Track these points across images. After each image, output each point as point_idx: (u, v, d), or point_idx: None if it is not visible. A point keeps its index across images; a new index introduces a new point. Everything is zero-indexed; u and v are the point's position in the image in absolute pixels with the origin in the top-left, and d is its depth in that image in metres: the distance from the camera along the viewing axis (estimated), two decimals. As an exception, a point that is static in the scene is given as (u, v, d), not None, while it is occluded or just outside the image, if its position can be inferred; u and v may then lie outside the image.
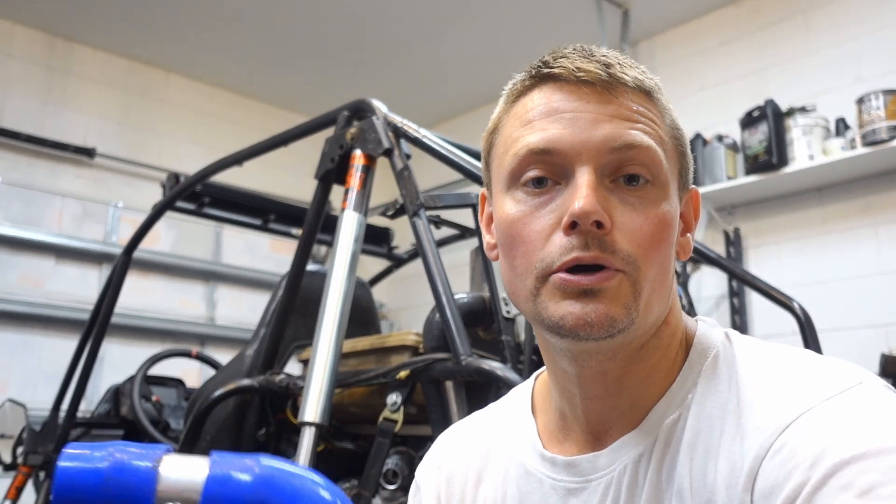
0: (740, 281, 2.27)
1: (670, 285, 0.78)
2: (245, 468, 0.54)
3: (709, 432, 0.72)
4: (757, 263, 3.95)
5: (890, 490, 0.58)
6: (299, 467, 0.57)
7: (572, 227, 0.71)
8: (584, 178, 0.72)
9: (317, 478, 0.56)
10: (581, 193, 0.70)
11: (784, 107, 3.67)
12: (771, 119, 3.64)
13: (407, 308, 5.54)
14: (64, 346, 4.05)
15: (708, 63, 4.36)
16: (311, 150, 3.06)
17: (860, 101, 3.42)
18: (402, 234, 3.52)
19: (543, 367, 0.91)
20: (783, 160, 3.63)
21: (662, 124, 0.77)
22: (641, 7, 4.40)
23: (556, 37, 4.51)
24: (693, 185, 0.83)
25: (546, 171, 0.74)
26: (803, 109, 3.62)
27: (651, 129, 0.75)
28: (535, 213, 0.74)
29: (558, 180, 0.74)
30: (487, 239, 0.86)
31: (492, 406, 1.00)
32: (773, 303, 2.21)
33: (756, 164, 3.69)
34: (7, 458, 2.80)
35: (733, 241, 4.04)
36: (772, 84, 4.02)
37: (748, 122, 3.75)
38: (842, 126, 3.60)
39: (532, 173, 0.75)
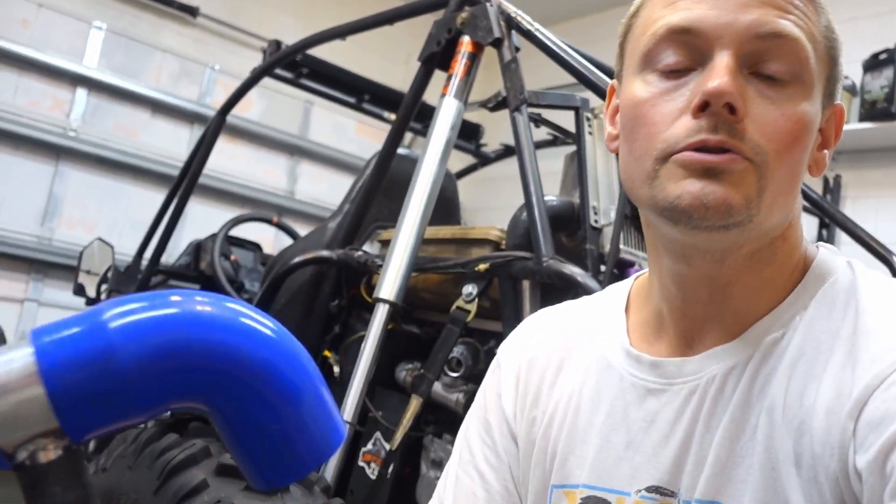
0: (840, 227, 2.16)
1: (797, 196, 0.74)
2: (80, 321, 0.49)
3: (814, 355, 0.70)
4: (853, 215, 3.77)
5: None
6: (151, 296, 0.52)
7: (702, 108, 0.67)
8: (723, 60, 0.67)
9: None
10: (717, 73, 0.67)
11: (915, 54, 3.43)
12: (898, 64, 3.42)
13: (484, 209, 5.52)
14: (151, 197, 4.20)
15: (839, -3, 4.08)
16: (405, 37, 3.01)
17: None
18: (491, 133, 3.47)
19: (643, 271, 0.89)
20: (903, 110, 3.42)
21: (817, 21, 0.72)
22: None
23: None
24: (839, 102, 0.78)
25: (683, 53, 0.70)
26: (934, 58, 3.38)
27: (804, 23, 0.70)
28: (665, 96, 0.71)
29: (694, 65, 0.70)
30: (609, 130, 0.83)
31: (585, 298, 1.00)
32: (873, 255, 2.11)
33: (873, 111, 3.49)
34: (92, 293, 2.95)
35: (832, 189, 3.86)
36: (903, 28, 3.75)
37: (872, 64, 3.53)
38: (974, 81, 3.36)
39: (669, 54, 0.71)
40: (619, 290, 0.93)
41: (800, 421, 0.68)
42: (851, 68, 3.71)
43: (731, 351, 0.75)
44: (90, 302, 2.99)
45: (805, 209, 2.27)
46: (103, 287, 2.92)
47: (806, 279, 0.76)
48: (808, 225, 3.88)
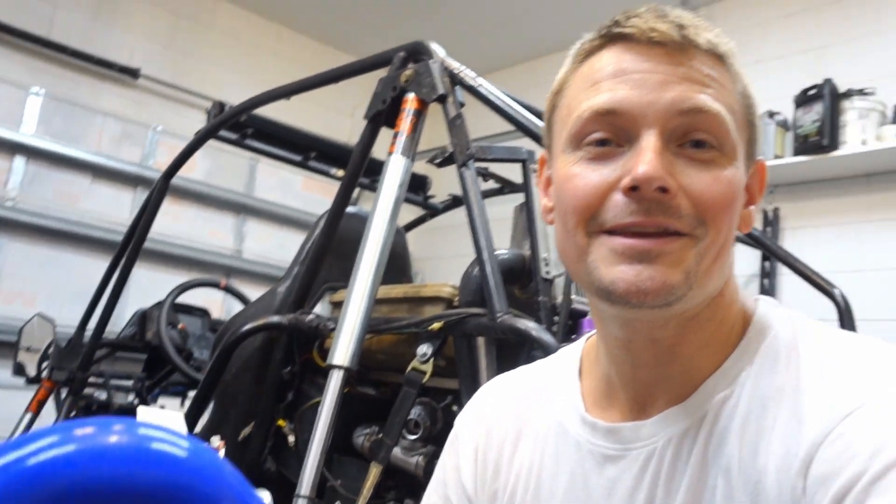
0: (781, 262, 2.21)
1: (730, 255, 0.75)
2: None
3: (762, 412, 0.70)
4: (793, 246, 3.87)
5: None
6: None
7: (633, 189, 0.68)
8: (649, 141, 0.69)
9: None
10: (645, 157, 0.68)
11: (842, 88, 3.55)
12: (827, 99, 3.54)
13: (433, 259, 5.52)
14: (93, 266, 4.08)
15: (768, 35, 4.22)
16: (353, 91, 3.02)
17: (923, 89, 3.30)
18: (438, 184, 3.48)
19: (593, 331, 0.88)
20: (834, 143, 3.53)
21: (734, 91, 0.74)
22: (704, -28, 4.26)
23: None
24: (760, 158, 0.80)
25: (610, 132, 0.72)
26: (861, 92, 3.50)
27: (721, 95, 0.72)
28: (595, 172, 0.72)
29: (622, 143, 0.71)
30: (544, 202, 0.84)
31: (538, 363, 0.99)
32: (814, 287, 2.16)
33: (806, 145, 3.60)
34: (32, 372, 2.84)
35: (771, 222, 3.96)
36: (831, 63, 3.89)
37: (803, 100, 3.65)
38: (900, 113, 3.49)
39: (595, 135, 0.72)
40: (571, 353, 0.93)
41: (755, 481, 0.68)
42: (783, 104, 3.84)
43: (684, 413, 0.75)
44: (31, 381, 2.88)
45: (747, 243, 2.31)
46: (45, 364, 2.81)
47: (748, 335, 0.77)
48: (752, 258, 3.96)
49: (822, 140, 3.52)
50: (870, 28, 3.83)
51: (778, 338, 0.75)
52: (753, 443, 0.69)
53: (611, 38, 0.75)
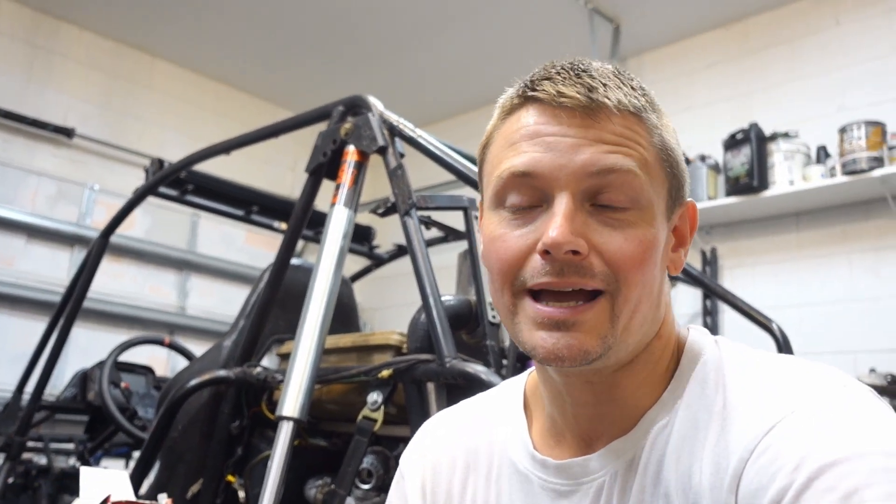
0: (721, 300, 2.28)
1: (657, 303, 0.78)
2: None
3: (694, 433, 0.73)
4: (732, 284, 3.99)
5: (873, 493, 0.59)
6: None
7: (547, 252, 0.72)
8: (560, 206, 0.72)
9: None
10: (555, 223, 0.71)
11: (768, 131, 3.71)
12: (754, 142, 3.69)
13: (381, 308, 5.51)
14: (30, 328, 3.98)
15: (695, 83, 4.40)
16: (292, 145, 3.05)
17: (842, 131, 3.47)
18: (383, 234, 3.51)
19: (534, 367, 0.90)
20: (764, 184, 3.67)
21: (648, 145, 0.76)
22: (633, 24, 4.43)
23: (548, 46, 4.54)
24: (689, 199, 0.83)
25: (527, 193, 0.75)
26: (786, 135, 3.67)
27: (634, 152, 0.74)
28: (515, 233, 0.75)
29: (539, 203, 0.75)
30: (482, 248, 0.86)
31: (480, 397, 1.00)
32: (753, 323, 2.23)
33: (737, 186, 3.73)
34: (-32, 439, 2.74)
35: (710, 261, 4.08)
36: (757, 108, 4.07)
37: (731, 144, 3.79)
38: (823, 154, 3.65)
39: (514, 195, 0.76)
40: (514, 389, 0.94)
41: (692, 502, 0.71)
42: (713, 147, 3.99)
43: (627, 444, 0.77)
44: (-33, 448, 2.77)
45: (686, 282, 2.38)
46: (-19, 430, 2.71)
47: (681, 365, 0.80)
48: (693, 297, 4.06)
49: (751, 181, 3.66)
50: (789, 74, 4.03)
51: (707, 363, 0.78)
52: (687, 465, 0.72)
53: (526, 98, 0.77)
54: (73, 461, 2.93)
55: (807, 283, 3.76)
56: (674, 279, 3.06)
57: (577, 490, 0.79)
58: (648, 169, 0.75)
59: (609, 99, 0.74)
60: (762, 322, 2.20)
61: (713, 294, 2.33)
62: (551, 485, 0.81)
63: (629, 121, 0.75)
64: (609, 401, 0.78)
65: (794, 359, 0.77)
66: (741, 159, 3.73)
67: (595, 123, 0.73)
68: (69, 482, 2.85)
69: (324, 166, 1.88)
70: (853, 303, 3.59)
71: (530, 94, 0.76)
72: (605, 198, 0.73)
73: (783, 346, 2.15)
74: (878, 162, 3.35)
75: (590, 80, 0.75)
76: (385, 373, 1.58)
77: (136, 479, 1.91)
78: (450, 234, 2.29)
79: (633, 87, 0.77)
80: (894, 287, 3.52)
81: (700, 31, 4.43)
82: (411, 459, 0.97)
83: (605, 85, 0.75)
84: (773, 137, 3.68)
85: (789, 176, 3.62)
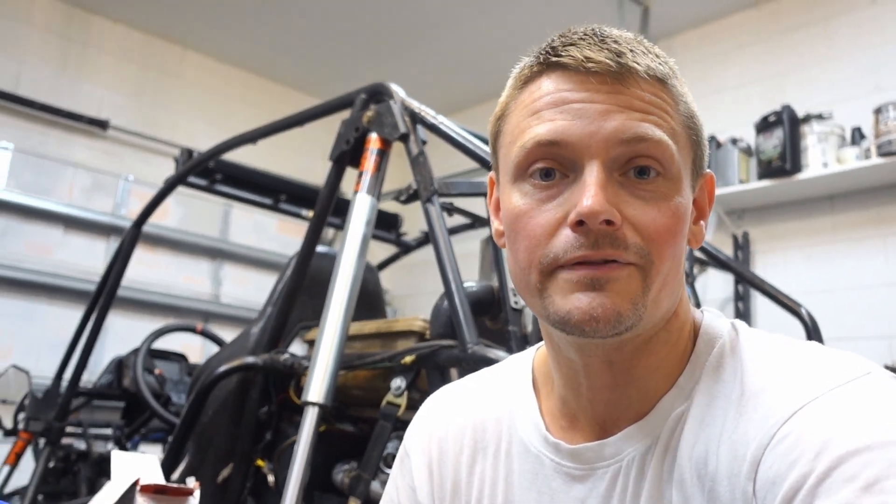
0: (749, 284, 2.26)
1: (681, 278, 0.77)
2: None
3: (711, 421, 0.72)
4: (764, 269, 3.94)
5: (894, 483, 0.58)
6: None
7: (580, 224, 0.69)
8: (592, 175, 0.70)
9: None
10: (590, 192, 0.69)
11: (800, 113, 3.65)
12: (787, 125, 3.62)
13: (411, 295, 5.54)
14: (68, 316, 4.07)
15: (726, 65, 4.34)
16: (321, 133, 3.06)
17: (877, 111, 3.40)
18: (411, 221, 3.52)
19: (541, 343, 0.89)
20: (797, 166, 3.61)
21: (675, 114, 0.74)
22: (662, 5, 4.38)
23: (574, 31, 4.49)
24: (708, 170, 0.82)
25: (554, 163, 0.72)
26: (819, 117, 3.60)
27: (663, 121, 0.72)
28: (542, 207, 0.73)
29: (566, 173, 0.72)
30: (496, 225, 0.84)
31: (484, 372, 0.98)
32: (782, 308, 2.21)
33: (769, 169, 3.68)
34: (8, 424, 2.82)
35: (741, 246, 4.03)
36: (789, 90, 4.01)
37: (763, 126, 3.74)
38: (857, 135, 3.58)
39: (539, 165, 0.73)
40: (521, 366, 0.93)
41: (708, 489, 0.70)
42: (745, 130, 3.93)
43: (644, 430, 0.77)
44: (7, 434, 2.85)
45: (716, 267, 2.36)
46: (20, 416, 2.79)
47: (697, 349, 0.79)
48: (725, 282, 4.02)
49: (784, 164, 3.61)
50: (823, 54, 3.95)
51: (724, 347, 0.77)
52: (704, 451, 0.71)
53: (548, 65, 0.75)
54: (110, 446, 3.00)
55: (841, 267, 3.70)
56: (703, 263, 3.03)
57: (591, 475, 0.78)
58: (677, 138, 0.74)
59: (639, 64, 0.72)
60: (791, 307, 2.17)
61: (742, 278, 2.31)
62: (565, 468, 0.80)
63: (657, 87, 0.73)
64: (627, 383, 0.77)
65: (814, 345, 0.75)
66: (773, 142, 3.67)
67: (625, 89, 0.71)
68: (107, 466, 2.90)
69: (347, 154, 1.89)
70: (889, 287, 3.53)
71: (553, 59, 0.74)
72: (635, 167, 0.71)
73: (812, 331, 2.13)
74: (915, 143, 3.28)
75: (616, 45, 0.73)
76: (408, 359, 1.59)
77: (169, 464, 1.95)
78: (476, 222, 2.30)
79: (657, 55, 0.75)
80: (931, 270, 3.45)
81: (730, 11, 4.36)
82: (416, 437, 0.95)
83: (632, 51, 0.73)
84: (807, 119, 3.62)
85: (823, 158, 3.56)
